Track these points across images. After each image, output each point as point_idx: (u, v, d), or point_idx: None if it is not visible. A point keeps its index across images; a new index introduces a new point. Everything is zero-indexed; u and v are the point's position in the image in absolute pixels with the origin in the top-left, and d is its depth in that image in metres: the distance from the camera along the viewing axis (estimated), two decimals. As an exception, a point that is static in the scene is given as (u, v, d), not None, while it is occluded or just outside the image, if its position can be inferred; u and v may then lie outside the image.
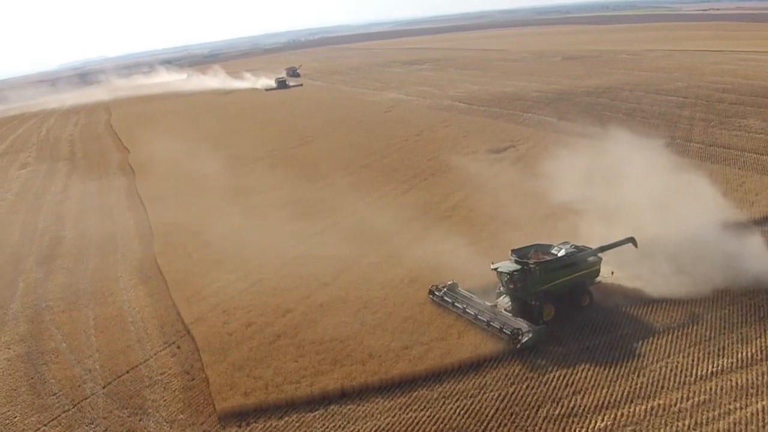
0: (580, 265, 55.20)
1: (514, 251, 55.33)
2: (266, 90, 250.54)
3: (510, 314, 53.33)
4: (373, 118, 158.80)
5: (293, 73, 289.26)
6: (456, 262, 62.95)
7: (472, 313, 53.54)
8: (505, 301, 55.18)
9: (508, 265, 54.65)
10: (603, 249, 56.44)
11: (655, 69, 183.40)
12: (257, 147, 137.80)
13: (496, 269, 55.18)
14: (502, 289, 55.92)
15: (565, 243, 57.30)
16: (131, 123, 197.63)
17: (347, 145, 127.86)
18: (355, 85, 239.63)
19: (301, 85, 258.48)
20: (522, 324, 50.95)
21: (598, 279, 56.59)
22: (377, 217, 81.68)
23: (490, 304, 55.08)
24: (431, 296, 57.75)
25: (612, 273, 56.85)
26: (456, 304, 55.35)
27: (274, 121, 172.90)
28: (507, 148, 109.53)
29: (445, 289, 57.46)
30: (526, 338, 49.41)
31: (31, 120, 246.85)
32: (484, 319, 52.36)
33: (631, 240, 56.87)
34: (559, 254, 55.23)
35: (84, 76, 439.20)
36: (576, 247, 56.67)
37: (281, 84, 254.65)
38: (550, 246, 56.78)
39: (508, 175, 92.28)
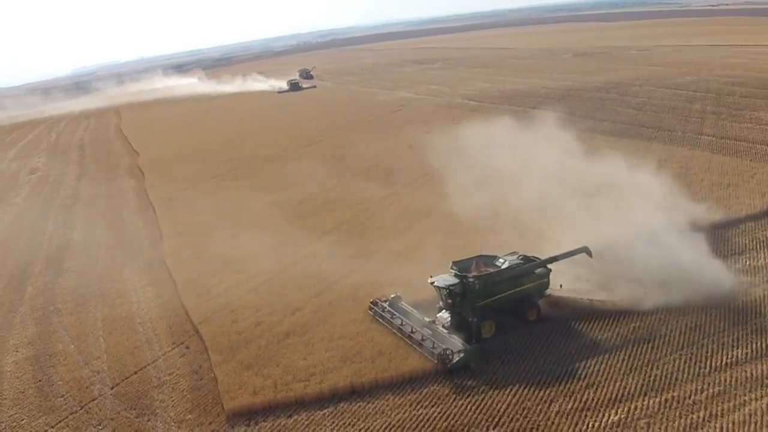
0: (525, 277, 52.78)
1: (455, 263, 52.87)
2: (279, 92, 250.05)
3: (446, 331, 50.79)
4: (383, 118, 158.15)
5: (306, 75, 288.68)
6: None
7: (408, 330, 51.17)
8: (444, 317, 52.48)
9: (445, 279, 52.01)
10: (553, 260, 54.36)
11: (664, 64, 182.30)
12: (266, 148, 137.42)
13: (432, 283, 52.79)
14: (441, 303, 53.38)
15: (513, 254, 55.13)
16: (141, 127, 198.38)
17: (353, 145, 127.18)
18: (366, 85, 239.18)
19: (315, 86, 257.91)
20: (456, 343, 48.48)
21: (548, 291, 54.42)
22: (385, 215, 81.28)
23: (428, 319, 52.68)
24: (371, 311, 55.73)
25: (561, 286, 54.60)
26: (393, 319, 53.06)
27: (284, 123, 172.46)
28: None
29: (387, 303, 55.47)
30: (457, 359, 46.81)
31: (41, 125, 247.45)
32: (418, 338, 49.97)
33: (585, 249, 54.72)
34: (503, 266, 52.87)
35: (90, 83, 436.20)
36: (525, 257, 54.48)
37: (294, 86, 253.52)
38: (495, 257, 54.17)
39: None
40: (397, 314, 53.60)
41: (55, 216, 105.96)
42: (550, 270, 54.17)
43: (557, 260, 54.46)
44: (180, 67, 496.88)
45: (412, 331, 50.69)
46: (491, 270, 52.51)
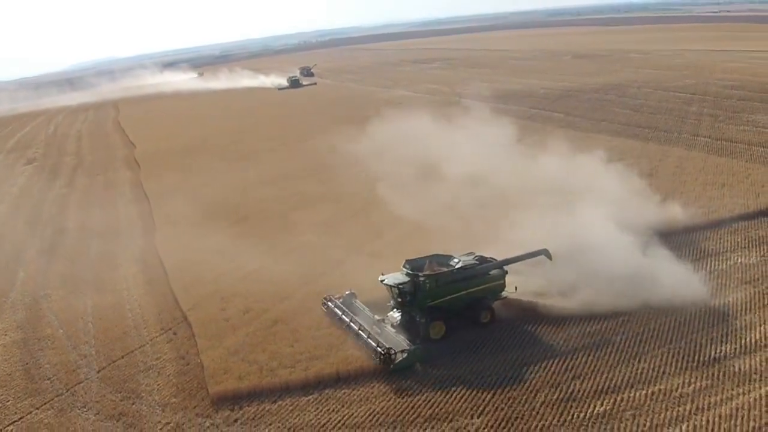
0: (479, 278, 51.79)
1: (408, 261, 52.02)
2: (279, 89, 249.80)
3: (394, 331, 50.13)
4: (381, 115, 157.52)
5: (307, 72, 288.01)
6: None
7: (356, 327, 50.53)
8: (395, 316, 51.80)
9: (396, 277, 51.18)
10: (509, 261, 53.36)
11: (664, 67, 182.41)
12: (262, 142, 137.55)
13: (383, 281, 51.90)
14: (392, 302, 52.55)
15: (469, 254, 54.18)
16: (139, 120, 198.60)
17: (352, 142, 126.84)
18: (364, 83, 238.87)
19: (315, 83, 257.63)
20: (401, 343, 47.87)
21: (504, 294, 53.17)
22: (378, 209, 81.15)
23: (378, 318, 51.87)
24: (324, 307, 55.22)
25: (516, 288, 53.27)
26: (343, 316, 52.49)
27: (282, 120, 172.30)
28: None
29: (340, 300, 55.00)
30: (399, 359, 46.15)
31: (40, 117, 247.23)
32: (364, 335, 49.35)
33: (545, 252, 53.75)
34: (457, 266, 52.02)
35: (83, 79, 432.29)
36: (482, 258, 53.52)
37: (294, 83, 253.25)
38: (450, 257, 53.20)
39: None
40: (348, 311, 53.16)
41: (50, 205, 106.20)
42: (506, 272, 53.22)
43: (513, 262, 53.69)
44: (172, 64, 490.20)
45: (360, 329, 50.21)
46: (444, 269, 51.82)
